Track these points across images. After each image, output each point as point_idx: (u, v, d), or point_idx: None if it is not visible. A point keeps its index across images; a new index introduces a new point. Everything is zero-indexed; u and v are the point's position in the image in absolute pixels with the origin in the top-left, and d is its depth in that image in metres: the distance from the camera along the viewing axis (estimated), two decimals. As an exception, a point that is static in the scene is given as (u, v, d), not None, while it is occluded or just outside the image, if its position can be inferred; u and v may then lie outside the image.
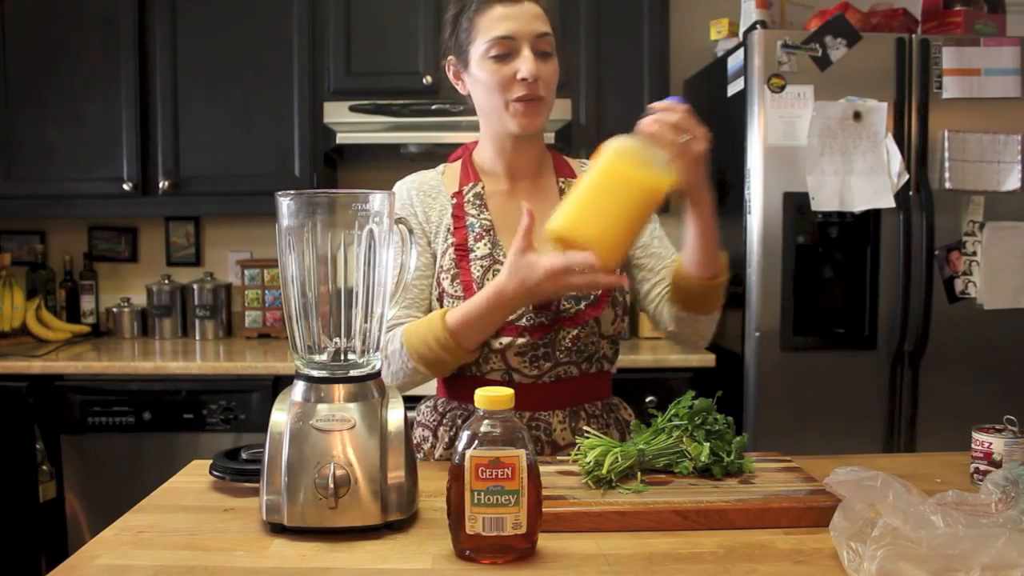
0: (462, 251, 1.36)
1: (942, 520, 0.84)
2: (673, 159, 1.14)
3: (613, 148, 1.13)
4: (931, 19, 2.60)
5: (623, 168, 1.12)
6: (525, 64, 1.29)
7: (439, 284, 1.37)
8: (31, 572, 2.52)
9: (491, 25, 1.31)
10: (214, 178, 2.84)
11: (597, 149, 1.15)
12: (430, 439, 1.42)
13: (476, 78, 1.35)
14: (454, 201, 1.41)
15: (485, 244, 1.37)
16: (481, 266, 1.35)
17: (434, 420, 1.42)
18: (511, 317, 1.31)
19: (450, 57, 1.40)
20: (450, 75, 1.42)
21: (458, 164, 1.46)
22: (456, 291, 1.34)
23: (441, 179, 1.46)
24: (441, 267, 1.37)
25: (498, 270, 1.33)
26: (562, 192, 1.43)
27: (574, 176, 1.46)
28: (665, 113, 1.15)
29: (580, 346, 1.35)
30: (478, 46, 1.32)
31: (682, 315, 1.37)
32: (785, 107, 2.37)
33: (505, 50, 1.30)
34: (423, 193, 1.43)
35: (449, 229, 1.39)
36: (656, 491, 1.08)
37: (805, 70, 2.37)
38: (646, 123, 1.15)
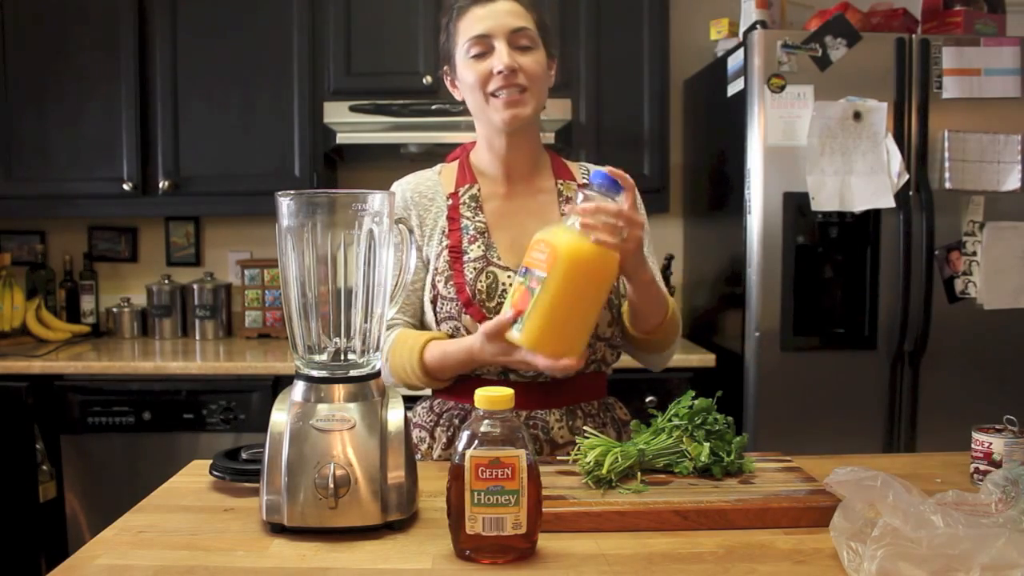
0: (456, 253, 1.37)
1: (942, 520, 0.84)
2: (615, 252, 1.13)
3: (567, 255, 1.09)
4: (931, 19, 2.60)
5: (581, 273, 1.11)
6: (499, 57, 1.32)
7: (433, 287, 1.37)
8: (31, 572, 2.52)
9: (468, 27, 1.35)
10: (214, 178, 2.84)
11: (548, 243, 1.10)
12: (427, 440, 1.41)
13: (462, 80, 1.38)
14: (450, 202, 1.41)
15: (479, 246, 1.37)
16: (474, 268, 1.35)
17: (431, 421, 1.42)
18: None
19: (445, 66, 1.44)
20: (447, 83, 1.45)
21: (455, 164, 1.47)
22: (450, 293, 1.35)
23: (438, 179, 1.46)
24: (435, 269, 1.38)
25: (491, 272, 1.34)
26: (560, 194, 1.43)
27: (572, 178, 1.47)
28: (599, 215, 1.10)
29: None
30: (460, 49, 1.37)
31: (632, 351, 1.45)
32: (785, 107, 2.37)
33: (482, 48, 1.34)
34: (419, 195, 1.44)
35: (444, 231, 1.39)
36: (656, 491, 1.08)
37: (805, 70, 2.37)
38: (586, 224, 1.10)
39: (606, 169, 1.14)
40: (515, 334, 1.13)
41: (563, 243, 1.09)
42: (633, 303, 1.31)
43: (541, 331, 1.11)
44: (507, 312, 1.14)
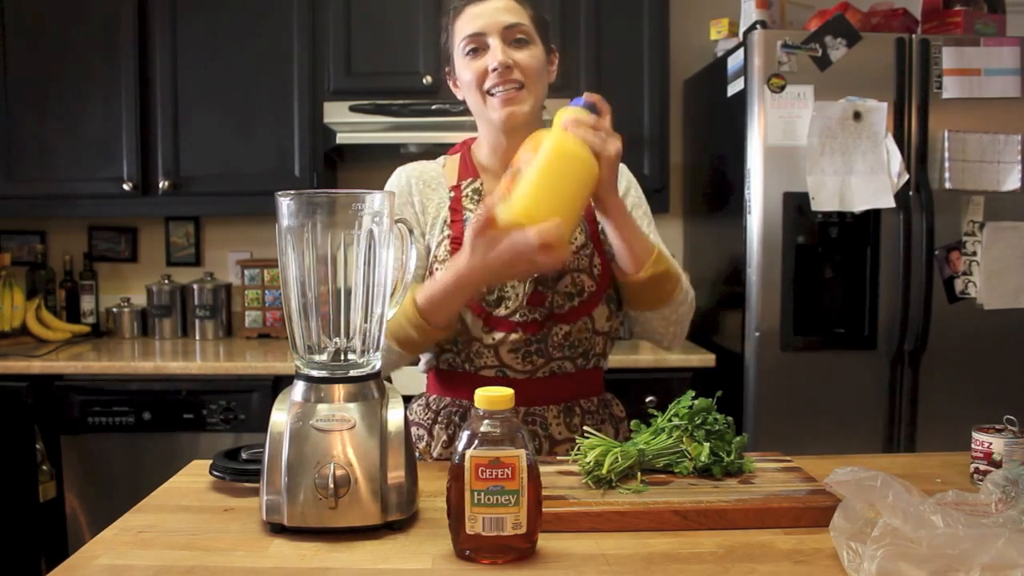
0: (458, 244, 1.36)
1: (942, 520, 0.84)
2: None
3: (552, 140, 1.17)
4: (931, 19, 2.60)
5: (564, 157, 1.17)
6: (493, 54, 1.32)
7: (431, 274, 1.37)
8: (31, 572, 2.52)
9: (464, 25, 1.36)
10: (214, 178, 2.84)
11: (534, 138, 1.20)
12: (425, 437, 1.41)
13: (460, 79, 1.38)
14: (452, 195, 1.41)
15: None
16: None
17: (428, 418, 1.42)
18: (504, 313, 1.32)
19: (447, 67, 1.44)
20: (450, 83, 1.45)
21: (457, 158, 1.47)
22: None
23: (441, 171, 1.46)
24: (435, 257, 1.38)
25: None
26: None
27: None
28: (581, 124, 1.19)
29: (573, 342, 1.36)
30: (457, 48, 1.37)
31: (632, 314, 1.41)
32: (785, 107, 2.37)
33: (476, 46, 1.34)
34: (422, 183, 1.44)
35: (446, 221, 1.40)
36: (656, 491, 1.08)
37: (805, 70, 2.37)
38: (568, 127, 1.19)
39: (585, 95, 1.22)
40: (503, 215, 1.15)
41: (549, 134, 1.18)
42: (610, 236, 1.31)
43: (526, 203, 1.14)
44: (495, 199, 1.17)
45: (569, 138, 1.17)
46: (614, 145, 1.20)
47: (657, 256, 1.31)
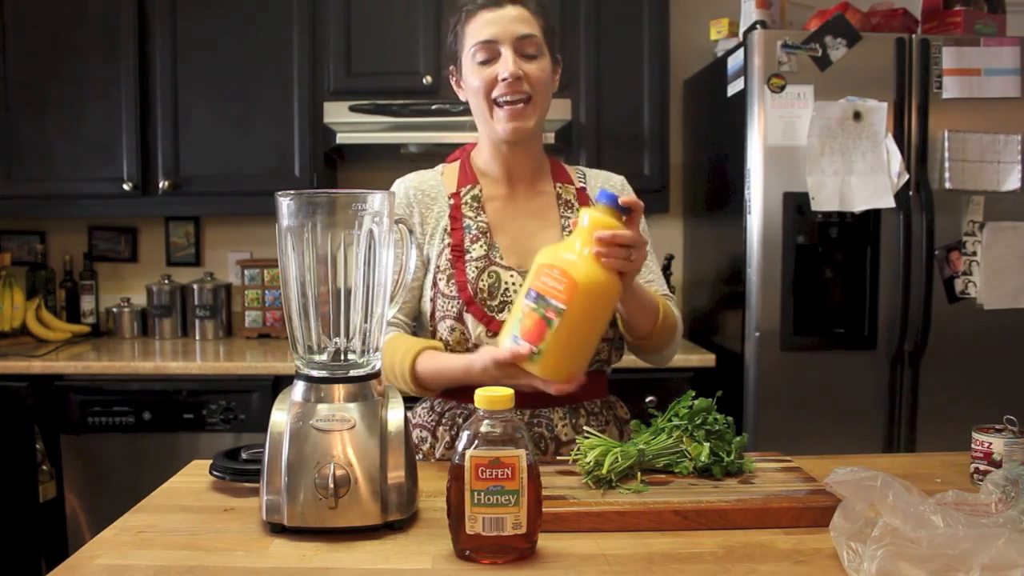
0: (458, 252, 1.37)
1: (942, 520, 0.85)
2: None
3: (587, 287, 1.10)
4: (931, 19, 2.60)
5: (598, 303, 1.13)
6: (504, 64, 1.32)
7: (434, 284, 1.37)
8: (31, 572, 2.52)
9: (476, 31, 1.35)
10: (214, 178, 2.84)
11: (564, 272, 1.10)
12: (428, 439, 1.42)
13: (467, 83, 1.39)
14: (451, 202, 1.41)
15: (481, 246, 1.37)
16: (476, 267, 1.35)
17: (432, 420, 1.42)
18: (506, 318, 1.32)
19: (451, 66, 1.44)
20: (452, 82, 1.46)
21: (456, 165, 1.47)
22: (451, 291, 1.35)
23: (440, 180, 1.46)
24: (437, 267, 1.38)
25: (494, 272, 1.34)
26: (559, 197, 1.44)
27: (571, 182, 1.48)
28: (613, 244, 1.11)
29: None
30: (467, 52, 1.37)
31: (633, 351, 1.46)
32: (785, 107, 2.37)
33: (488, 54, 1.34)
34: (422, 193, 1.44)
35: (446, 230, 1.40)
36: (656, 491, 1.08)
37: (805, 70, 2.37)
38: (600, 253, 1.10)
39: (614, 193, 1.13)
40: (531, 364, 1.12)
41: (581, 274, 1.09)
42: (623, 315, 1.32)
43: (559, 361, 1.12)
44: (520, 342, 1.12)
45: (601, 279, 1.10)
46: (640, 256, 1.14)
47: (664, 312, 1.34)
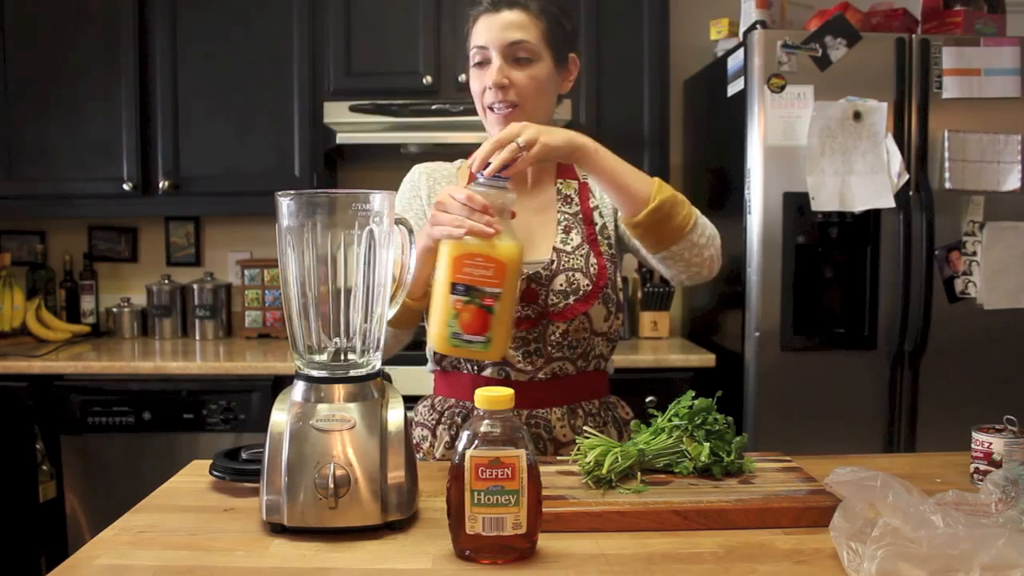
0: None
1: (942, 520, 0.84)
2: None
3: (513, 263, 1.14)
4: (931, 19, 2.60)
5: (518, 271, 1.17)
6: (489, 72, 1.34)
7: None
8: (31, 572, 2.52)
9: (475, 35, 1.38)
10: (214, 178, 2.84)
11: (487, 258, 1.13)
12: (428, 438, 1.42)
13: (471, 87, 1.42)
14: None
15: None
16: None
17: (432, 419, 1.43)
18: None
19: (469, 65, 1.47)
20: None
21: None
22: None
23: (455, 172, 1.50)
24: None
25: None
26: (559, 192, 1.46)
27: (575, 177, 1.49)
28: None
29: (571, 342, 1.36)
30: (469, 56, 1.40)
31: (657, 256, 1.33)
32: (785, 107, 2.37)
33: (482, 59, 1.36)
34: (434, 179, 1.48)
35: None
36: (656, 491, 1.08)
37: (805, 70, 2.37)
38: (492, 227, 1.13)
39: (487, 173, 1.17)
40: (482, 352, 1.15)
41: (502, 253, 1.13)
42: (599, 183, 1.30)
43: (503, 339, 1.17)
44: (468, 338, 1.13)
45: (510, 245, 1.13)
46: (533, 153, 1.16)
47: (660, 184, 1.31)
